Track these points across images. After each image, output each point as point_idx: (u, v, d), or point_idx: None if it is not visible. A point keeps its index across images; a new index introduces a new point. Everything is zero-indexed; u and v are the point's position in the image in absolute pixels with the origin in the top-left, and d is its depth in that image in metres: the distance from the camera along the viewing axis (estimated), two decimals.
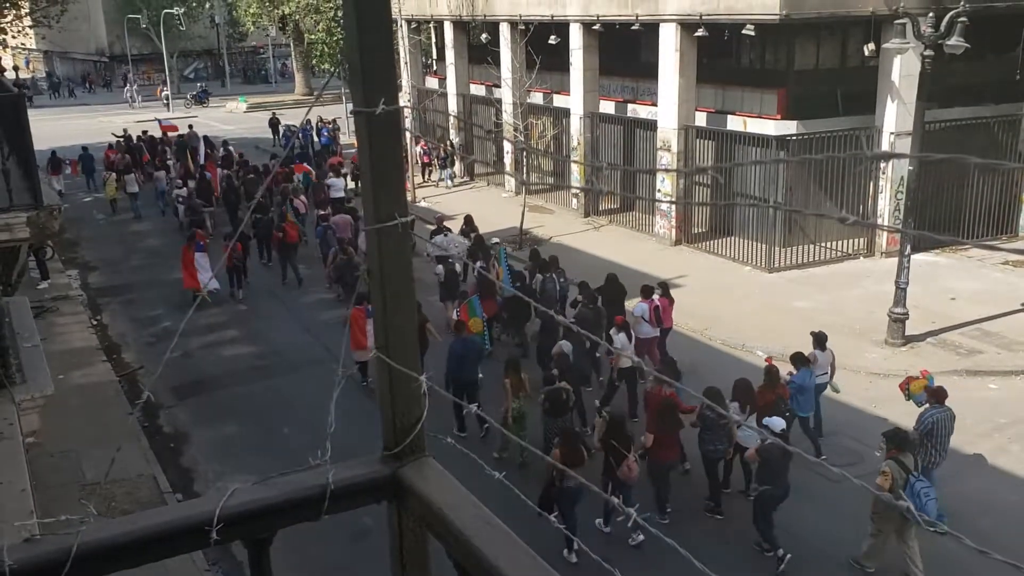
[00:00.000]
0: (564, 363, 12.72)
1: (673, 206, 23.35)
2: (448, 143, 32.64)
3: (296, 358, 17.25)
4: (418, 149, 31.42)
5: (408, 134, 34.30)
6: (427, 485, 1.70)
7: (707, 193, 23.81)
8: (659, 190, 23.99)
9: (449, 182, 31.75)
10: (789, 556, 10.44)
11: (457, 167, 32.25)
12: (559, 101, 27.91)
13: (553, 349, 13.39)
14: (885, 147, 20.69)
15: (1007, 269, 20.28)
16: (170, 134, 37.22)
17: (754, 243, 21.59)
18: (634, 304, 15.23)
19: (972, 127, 21.41)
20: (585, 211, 26.79)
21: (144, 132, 37.96)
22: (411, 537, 1.76)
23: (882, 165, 21.03)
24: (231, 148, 34.33)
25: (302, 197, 24.85)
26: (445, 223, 20.85)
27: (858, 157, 16.72)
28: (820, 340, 13.30)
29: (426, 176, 32.30)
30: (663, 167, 23.34)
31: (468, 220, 21.16)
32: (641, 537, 10.72)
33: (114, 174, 30.02)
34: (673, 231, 23.50)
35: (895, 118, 20.35)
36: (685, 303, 17.51)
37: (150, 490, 12.53)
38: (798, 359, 12.71)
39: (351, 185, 28.43)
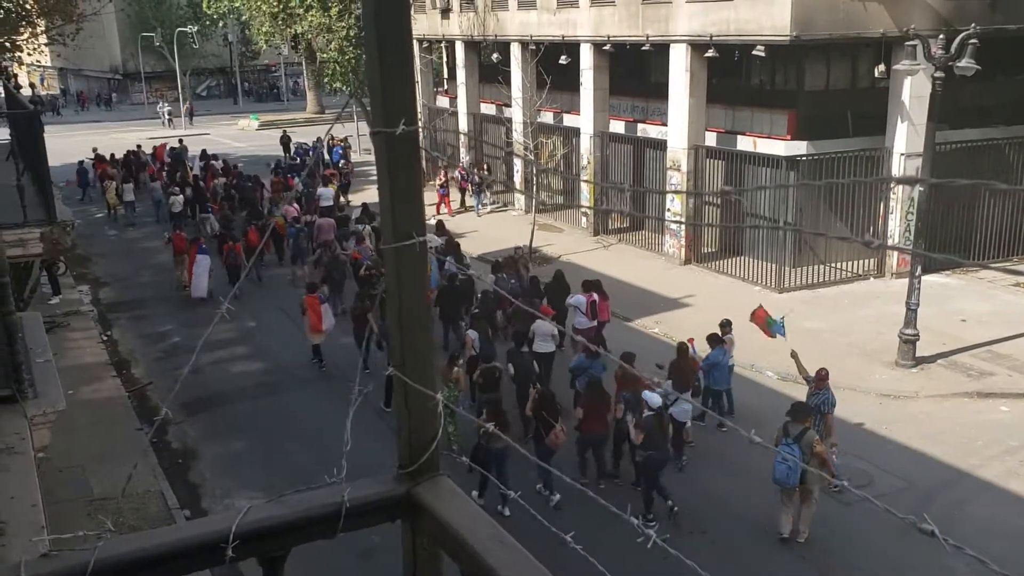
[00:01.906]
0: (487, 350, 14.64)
1: (683, 226, 23.37)
2: (484, 167, 32.37)
3: (304, 374, 17.27)
4: (456, 174, 31.21)
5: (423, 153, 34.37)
6: (442, 504, 1.70)
7: (717, 213, 23.83)
8: (668, 209, 24.00)
9: (481, 208, 30.52)
10: (676, 508, 11.78)
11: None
12: (569, 120, 28.00)
13: (468, 336, 15.03)
14: (895, 169, 20.68)
15: (1018, 291, 20.20)
16: (168, 147, 39.12)
17: (764, 263, 21.55)
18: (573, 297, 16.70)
19: (983, 148, 21.40)
20: (595, 230, 26.81)
21: (138, 146, 39.42)
22: (424, 556, 1.76)
23: (892, 185, 21.01)
24: (227, 161, 36.38)
25: (295, 204, 26.48)
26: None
27: (883, 182, 16.73)
28: (727, 325, 14.62)
29: (463, 202, 31.19)
30: (673, 187, 23.37)
31: (440, 225, 23.03)
32: (558, 496, 12.10)
33: (114, 183, 31.91)
34: (682, 250, 23.50)
35: (905, 139, 20.35)
36: (694, 322, 17.49)
37: (158, 506, 12.52)
38: (713, 339, 14.06)
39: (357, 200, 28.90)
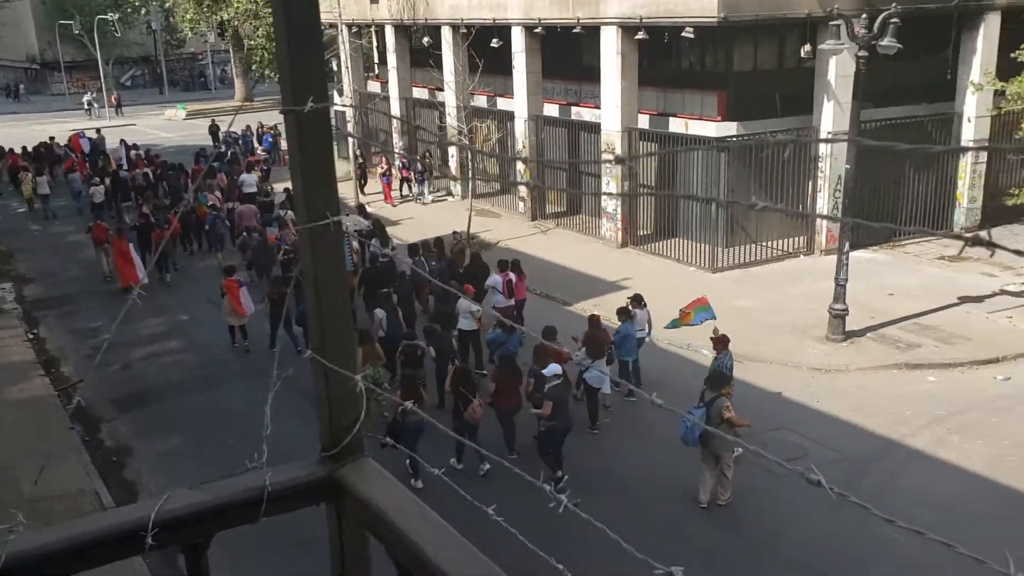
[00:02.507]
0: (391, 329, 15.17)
1: (619, 209, 23.56)
2: (426, 155, 31.97)
3: (238, 367, 17.03)
4: (397, 162, 30.88)
5: (349, 138, 34.09)
6: (366, 485, 1.69)
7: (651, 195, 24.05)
8: (605, 192, 24.16)
9: (426, 197, 29.93)
10: (567, 477, 12.20)
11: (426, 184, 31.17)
12: (503, 104, 27.97)
13: (375, 315, 15.40)
14: (823, 146, 21.10)
15: (943, 264, 20.81)
16: (85, 137, 38.12)
17: (698, 244, 21.85)
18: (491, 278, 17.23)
19: (906, 126, 21.94)
20: (532, 215, 26.87)
21: (51, 138, 38.40)
22: (350, 538, 1.75)
23: (820, 164, 21.45)
24: (148, 151, 35.97)
25: (217, 192, 26.69)
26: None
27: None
28: (638, 300, 15.21)
29: (403, 191, 30.78)
30: (608, 171, 23.53)
31: (360, 209, 23.95)
32: (487, 466, 12.44)
33: (29, 174, 31.29)
34: (619, 233, 23.69)
35: (832, 118, 20.77)
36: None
37: (92, 505, 12.24)
38: (622, 312, 14.75)
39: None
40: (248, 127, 40.29)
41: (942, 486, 12.14)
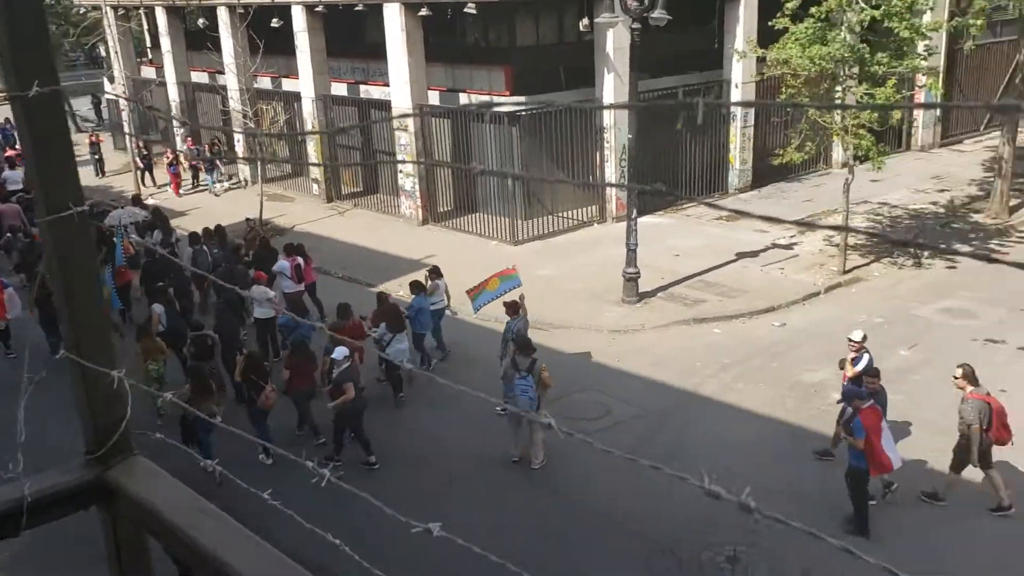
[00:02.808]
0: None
1: (416, 187, 23.55)
2: (215, 142, 30.29)
3: (15, 379, 15.77)
4: (185, 149, 29.19)
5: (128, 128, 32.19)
6: (138, 485, 1.62)
7: (448, 171, 24.16)
8: (401, 171, 24.06)
9: (217, 186, 28.50)
10: (373, 458, 12.30)
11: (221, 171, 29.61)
12: (288, 85, 27.22)
13: (154, 311, 14.99)
14: (607, 116, 21.93)
15: (722, 224, 22.19)
16: None
17: (498, 218, 22.22)
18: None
19: (683, 95, 23.09)
20: (327, 196, 26.39)
21: None
22: (127, 540, 1.68)
23: (605, 136, 22.28)
24: None
25: None
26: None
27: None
28: (435, 271, 15.59)
29: (196, 181, 29.33)
30: (402, 148, 23.47)
31: (136, 199, 23.19)
32: (271, 460, 12.15)
33: None
34: (419, 211, 23.70)
35: (612, 89, 21.59)
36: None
37: None
38: (415, 286, 14.90)
39: None
40: (7, 119, 37.11)
41: (734, 430, 13.01)
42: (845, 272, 18.54)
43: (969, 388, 10.56)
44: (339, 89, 26.15)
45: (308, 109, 26.02)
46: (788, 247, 20.11)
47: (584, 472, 11.80)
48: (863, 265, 19.08)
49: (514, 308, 13.71)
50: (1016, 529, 10.47)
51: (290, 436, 13.07)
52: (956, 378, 10.77)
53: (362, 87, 25.78)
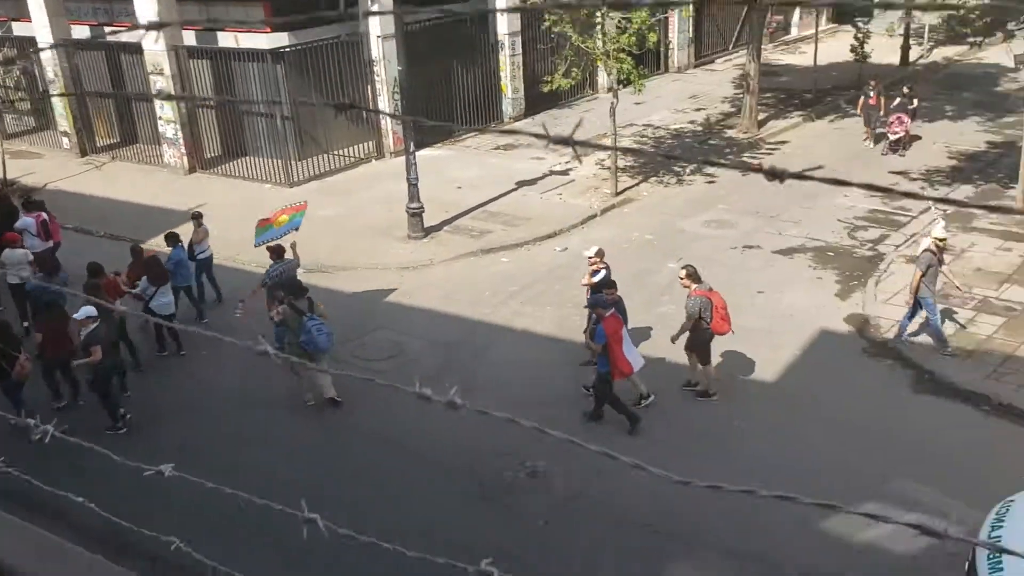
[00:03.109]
0: None
1: (179, 133, 22.20)
2: None
3: None
4: None
5: None
6: None
7: (213, 115, 22.92)
8: (160, 118, 22.57)
9: None
10: (130, 415, 11.88)
11: None
12: (20, 30, 24.66)
13: None
14: (375, 50, 21.50)
15: (500, 154, 22.51)
16: None
17: (270, 160, 21.40)
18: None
19: (448, 25, 22.95)
20: (81, 150, 24.36)
21: None
22: None
23: (375, 68, 21.84)
24: None
25: None
26: None
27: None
28: (197, 217, 15.21)
29: None
30: (158, 91, 21.96)
31: None
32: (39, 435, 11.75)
33: None
34: (185, 159, 22.40)
35: (379, 22, 21.11)
36: (211, 232, 16.92)
37: None
38: (170, 237, 14.32)
39: None
40: None
41: (527, 352, 13.45)
42: (618, 194, 19.38)
43: (693, 286, 11.55)
44: (81, 32, 23.98)
45: (47, 56, 23.71)
46: (564, 173, 20.71)
47: (380, 409, 11.82)
48: (633, 186, 20.01)
49: (278, 252, 13.35)
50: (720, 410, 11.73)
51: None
52: (682, 278, 11.75)
53: (107, 29, 23.75)
